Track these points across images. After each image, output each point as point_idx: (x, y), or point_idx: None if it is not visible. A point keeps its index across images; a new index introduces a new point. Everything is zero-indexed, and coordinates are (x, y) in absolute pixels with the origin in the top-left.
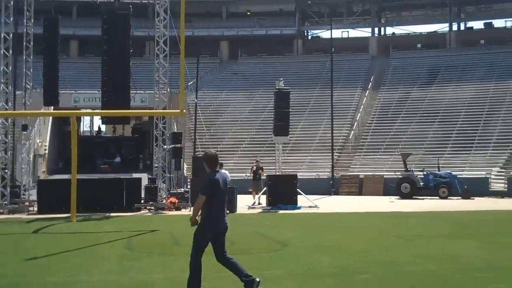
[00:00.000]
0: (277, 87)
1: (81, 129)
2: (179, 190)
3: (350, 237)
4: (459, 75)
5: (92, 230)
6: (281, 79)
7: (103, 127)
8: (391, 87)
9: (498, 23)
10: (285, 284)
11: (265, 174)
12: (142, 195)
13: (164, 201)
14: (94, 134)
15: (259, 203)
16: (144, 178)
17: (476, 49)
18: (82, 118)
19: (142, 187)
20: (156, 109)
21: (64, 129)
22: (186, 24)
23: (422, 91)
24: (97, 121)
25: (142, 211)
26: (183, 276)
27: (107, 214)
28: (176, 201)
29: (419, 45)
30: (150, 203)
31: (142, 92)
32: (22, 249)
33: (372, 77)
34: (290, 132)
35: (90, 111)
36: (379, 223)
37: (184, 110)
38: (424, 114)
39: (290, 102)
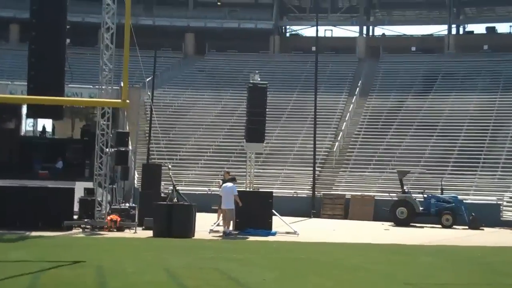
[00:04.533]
0: (251, 81)
1: (23, 128)
2: (123, 206)
3: (349, 286)
4: (460, 84)
5: None
6: (257, 71)
7: (49, 127)
8: (381, 94)
9: (501, 27)
10: None
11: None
12: (76, 210)
13: (104, 218)
14: (38, 135)
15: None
16: (80, 188)
17: (479, 56)
18: (23, 115)
19: (76, 200)
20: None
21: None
22: (147, 12)
23: (418, 100)
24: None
25: (73, 230)
26: None
27: (26, 233)
28: (118, 219)
29: (413, 48)
30: (86, 220)
31: (91, 87)
32: None
33: (360, 82)
34: (265, 140)
35: (4, 95)
36: (381, 261)
37: (128, 101)
38: (421, 127)
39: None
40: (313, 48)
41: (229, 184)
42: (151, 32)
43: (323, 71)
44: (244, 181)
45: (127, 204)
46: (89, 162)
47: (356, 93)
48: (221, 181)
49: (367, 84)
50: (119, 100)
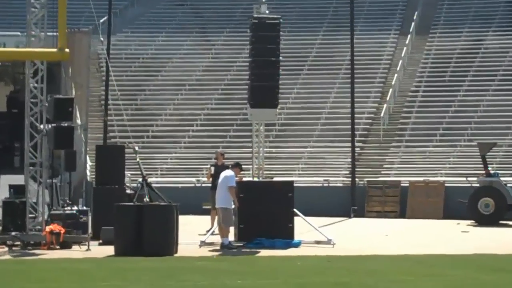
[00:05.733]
0: (255, 15)
1: None
2: (69, 210)
3: None
4: None
5: None
6: (264, 0)
7: None
8: (448, 32)
9: None
10: None
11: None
12: None
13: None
14: None
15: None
16: (5, 185)
17: None
18: None
19: None
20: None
21: None
22: None
23: (502, 37)
24: None
25: None
26: None
27: None
28: (62, 230)
29: None
30: (13, 234)
31: (18, 34)
32: None
33: (416, 14)
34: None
35: None
36: (467, 283)
37: (67, 50)
38: (508, 76)
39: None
40: None
41: (228, 173)
42: None
43: (360, 1)
44: (250, 166)
45: (75, 207)
46: (19, 145)
47: (411, 30)
48: (212, 168)
49: (427, 17)
50: (54, 50)
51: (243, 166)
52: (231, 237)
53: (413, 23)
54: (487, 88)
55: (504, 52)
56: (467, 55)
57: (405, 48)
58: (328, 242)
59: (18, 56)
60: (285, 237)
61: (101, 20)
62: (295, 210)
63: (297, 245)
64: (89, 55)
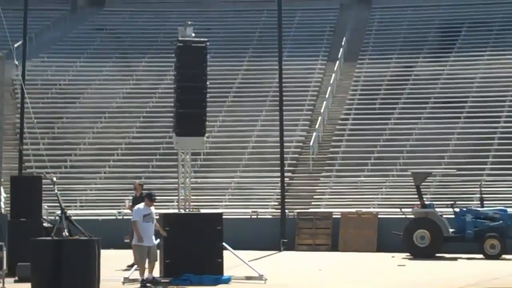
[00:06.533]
0: (181, 38)
1: None
2: None
3: None
4: (494, 38)
5: None
6: (189, 22)
7: None
8: (378, 58)
9: None
10: None
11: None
12: None
13: None
14: None
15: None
16: None
17: None
18: None
19: None
20: None
21: None
22: None
23: (433, 64)
24: None
25: None
26: None
27: None
28: None
29: None
30: None
31: None
32: None
33: (344, 40)
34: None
35: None
36: None
37: None
38: (440, 104)
39: None
40: None
41: (140, 206)
42: None
43: (288, 24)
44: (175, 197)
45: None
46: None
47: (339, 56)
48: (130, 199)
49: (356, 43)
50: None
51: (165, 197)
52: (157, 273)
53: (341, 49)
54: (419, 116)
55: (435, 79)
56: (397, 82)
57: (333, 75)
58: (260, 277)
59: None
60: (214, 273)
61: (16, 45)
62: (224, 243)
63: (227, 281)
64: (3, 81)
